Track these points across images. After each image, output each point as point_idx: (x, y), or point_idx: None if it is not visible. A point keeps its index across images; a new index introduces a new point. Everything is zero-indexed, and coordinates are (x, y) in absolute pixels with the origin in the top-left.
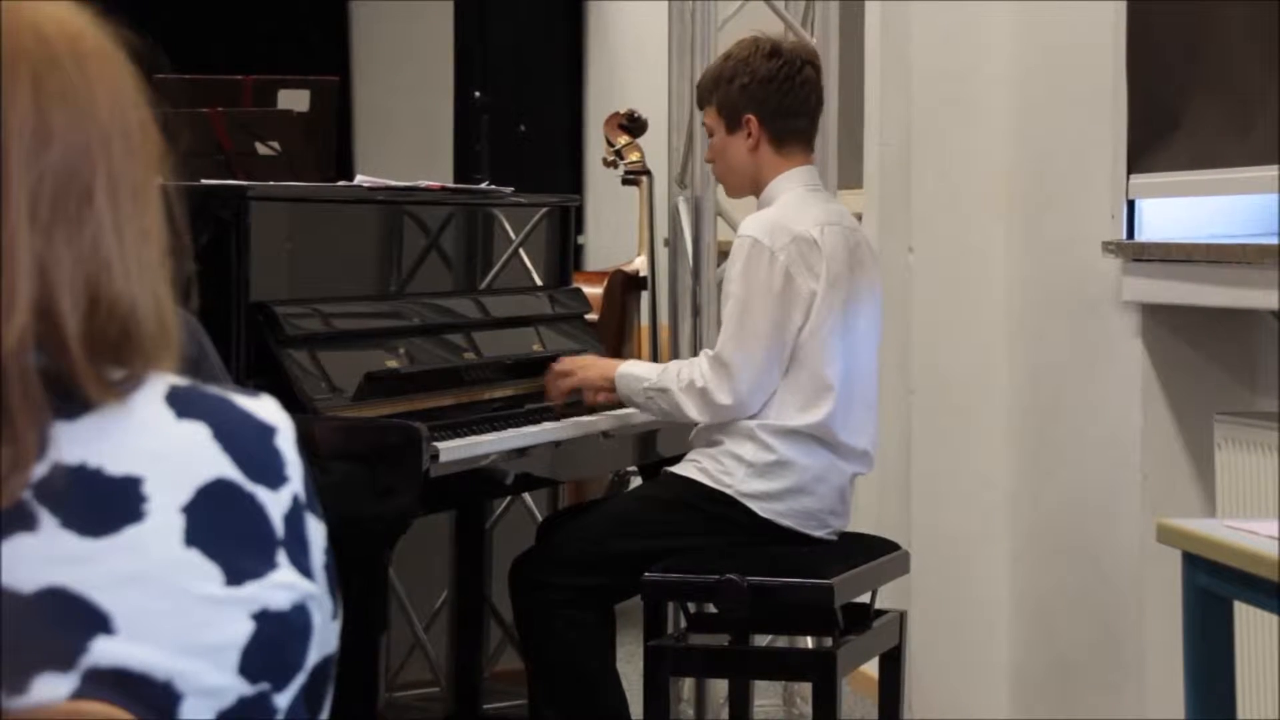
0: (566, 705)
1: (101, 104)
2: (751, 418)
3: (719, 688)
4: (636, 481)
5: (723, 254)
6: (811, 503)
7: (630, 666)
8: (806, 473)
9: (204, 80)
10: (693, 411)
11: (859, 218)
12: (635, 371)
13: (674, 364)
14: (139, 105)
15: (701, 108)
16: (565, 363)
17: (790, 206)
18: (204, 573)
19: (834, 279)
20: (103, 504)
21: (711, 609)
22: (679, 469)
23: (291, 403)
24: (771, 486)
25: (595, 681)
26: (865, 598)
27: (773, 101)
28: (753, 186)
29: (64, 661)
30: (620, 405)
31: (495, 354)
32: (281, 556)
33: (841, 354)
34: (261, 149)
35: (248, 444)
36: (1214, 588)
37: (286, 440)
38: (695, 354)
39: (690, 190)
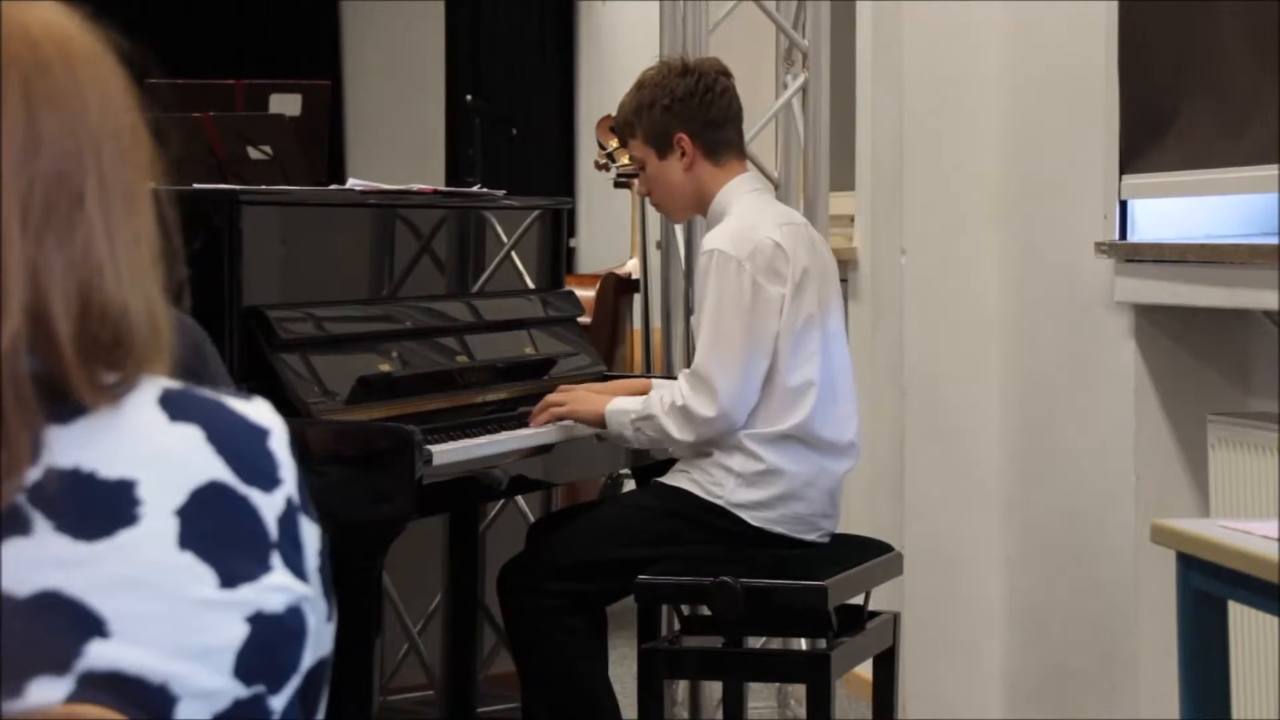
0: (558, 710)
1: (92, 108)
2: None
3: (713, 690)
4: (629, 484)
5: None
6: (802, 508)
7: (624, 669)
8: (796, 479)
9: (196, 85)
10: (676, 431)
11: (851, 220)
12: (623, 406)
13: (655, 392)
14: (129, 109)
15: (624, 144)
16: (560, 393)
17: (747, 214)
18: (198, 575)
19: (801, 278)
20: (96, 507)
21: (705, 611)
22: (670, 479)
23: (285, 407)
24: (762, 495)
25: (587, 686)
26: (859, 599)
27: (699, 115)
28: (697, 205)
29: (59, 665)
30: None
31: (488, 357)
32: (275, 559)
33: (818, 350)
34: (253, 153)
35: (241, 447)
36: (1209, 588)
37: (280, 443)
38: (687, 357)
39: None
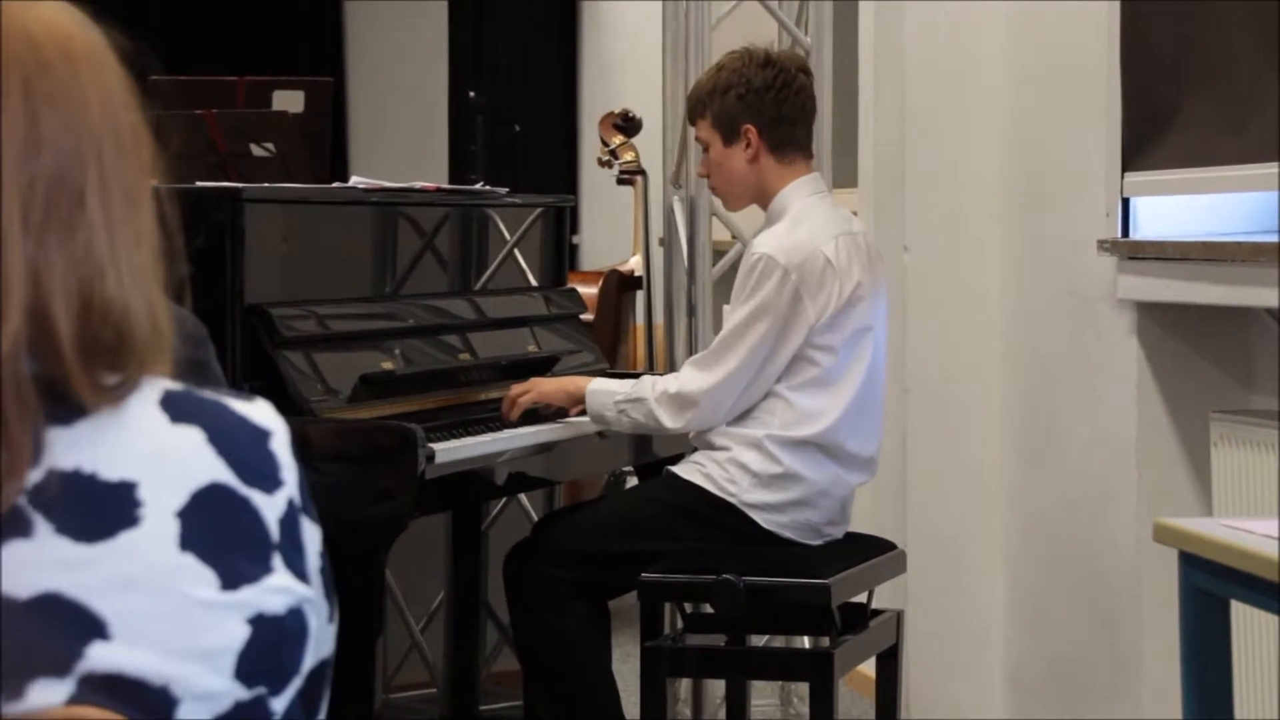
0: (560, 698)
1: (93, 107)
2: (759, 427)
3: (716, 688)
4: (632, 481)
5: (718, 253)
6: (814, 515)
7: (627, 667)
8: (812, 486)
9: (198, 82)
10: (665, 417)
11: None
12: (607, 387)
13: (648, 377)
14: (130, 107)
15: (694, 122)
16: (519, 386)
17: (804, 222)
18: (199, 577)
19: (854, 291)
20: (98, 509)
21: (708, 609)
22: (683, 471)
23: (287, 405)
24: (776, 498)
25: (589, 675)
26: (862, 597)
27: (770, 110)
28: (755, 197)
29: (60, 667)
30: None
31: (490, 355)
32: (277, 560)
33: (865, 364)
34: (256, 150)
35: (242, 448)
36: (1211, 587)
37: (281, 444)
38: (690, 352)
39: (685, 190)
